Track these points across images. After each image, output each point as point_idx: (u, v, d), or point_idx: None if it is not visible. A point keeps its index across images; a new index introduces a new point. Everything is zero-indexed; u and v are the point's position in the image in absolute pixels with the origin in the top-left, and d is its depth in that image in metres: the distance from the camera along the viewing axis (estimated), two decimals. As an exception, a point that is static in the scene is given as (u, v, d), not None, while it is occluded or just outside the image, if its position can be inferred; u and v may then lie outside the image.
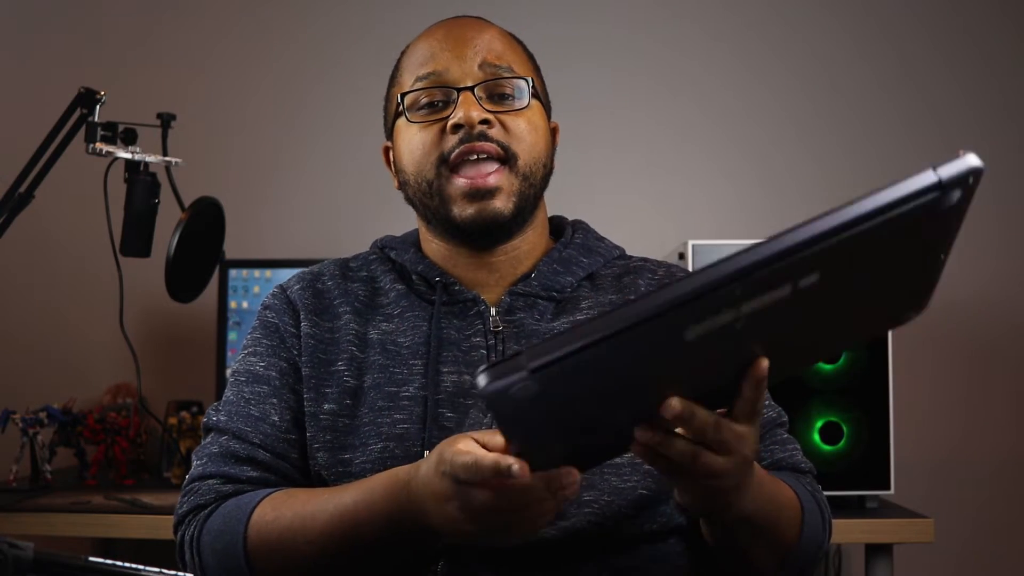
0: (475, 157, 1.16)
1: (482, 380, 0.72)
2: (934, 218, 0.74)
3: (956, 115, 2.52)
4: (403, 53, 1.26)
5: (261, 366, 1.20)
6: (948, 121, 2.52)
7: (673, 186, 2.55)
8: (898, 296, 0.88)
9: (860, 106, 2.54)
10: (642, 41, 2.58)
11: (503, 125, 1.18)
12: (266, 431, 1.17)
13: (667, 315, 0.70)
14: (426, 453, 1.10)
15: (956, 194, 0.72)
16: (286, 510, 1.09)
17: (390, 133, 1.27)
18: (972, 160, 0.71)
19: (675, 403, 0.80)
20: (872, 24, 2.56)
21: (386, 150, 1.29)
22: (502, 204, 1.17)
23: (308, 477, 1.17)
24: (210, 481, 1.16)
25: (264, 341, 1.22)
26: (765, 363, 0.82)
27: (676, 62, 2.57)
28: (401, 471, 1.02)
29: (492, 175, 1.16)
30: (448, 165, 1.17)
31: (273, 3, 2.64)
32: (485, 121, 1.16)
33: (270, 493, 1.12)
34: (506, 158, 1.17)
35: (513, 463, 0.84)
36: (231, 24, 2.64)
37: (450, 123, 1.17)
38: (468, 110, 1.16)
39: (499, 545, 0.99)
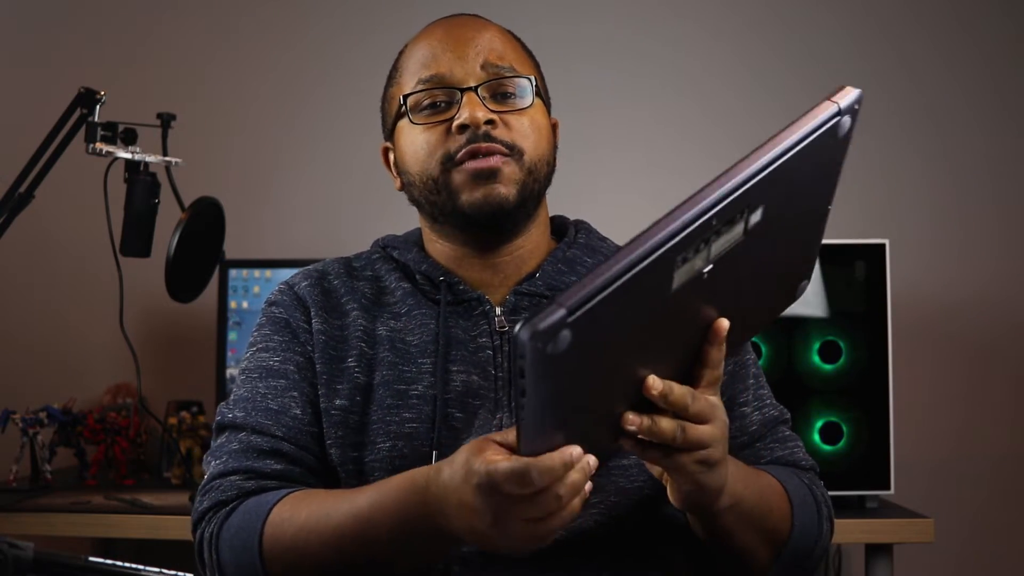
0: (481, 157, 1.16)
1: (524, 331, 0.74)
2: (833, 145, 0.90)
3: (955, 115, 2.52)
4: (401, 53, 1.26)
5: (276, 361, 1.19)
6: (947, 121, 2.53)
7: (673, 186, 2.54)
8: (799, 260, 1.01)
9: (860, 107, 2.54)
10: (643, 41, 2.58)
11: (507, 125, 1.18)
12: (288, 423, 1.16)
13: (678, 238, 0.79)
14: (435, 454, 1.10)
15: (848, 120, 0.88)
16: (302, 509, 1.07)
17: (390, 134, 1.26)
18: (853, 90, 0.89)
19: (654, 381, 0.87)
20: (872, 24, 2.56)
21: (385, 151, 1.28)
22: (506, 190, 1.17)
23: (330, 472, 1.17)
24: (232, 477, 1.14)
25: (275, 337, 1.21)
26: (725, 323, 0.90)
27: (677, 62, 2.57)
28: (419, 475, 1.00)
29: (495, 157, 1.16)
30: (454, 162, 1.17)
31: (274, 3, 2.64)
32: (490, 121, 1.16)
33: (291, 492, 1.11)
34: (511, 153, 1.18)
35: (587, 455, 0.84)
36: (231, 24, 2.65)
37: (455, 123, 1.16)
38: (473, 110, 1.16)
39: (521, 552, 0.98)
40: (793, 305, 2.05)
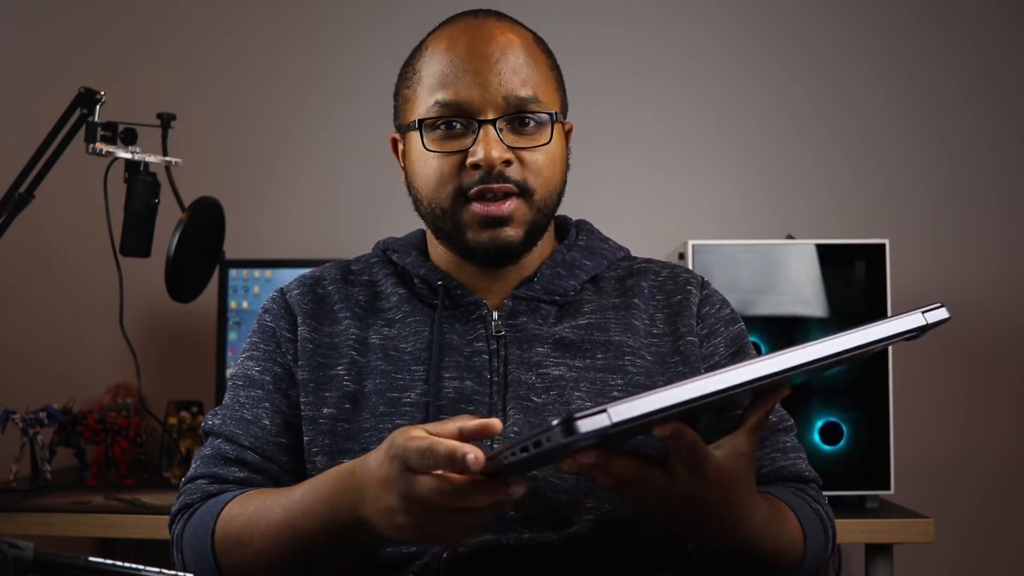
0: (492, 196, 1.16)
1: (560, 430, 0.78)
2: (900, 341, 0.92)
3: (955, 116, 2.52)
4: (422, 52, 1.21)
5: (256, 370, 1.22)
6: (947, 122, 2.53)
7: (674, 186, 2.55)
8: None
9: (859, 107, 2.54)
10: (645, 42, 2.58)
11: (521, 161, 1.16)
12: (256, 434, 1.18)
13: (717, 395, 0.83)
14: None
15: (923, 335, 0.90)
16: (249, 505, 1.10)
17: (401, 132, 1.24)
18: (945, 312, 0.90)
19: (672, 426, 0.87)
20: (872, 26, 2.56)
21: (394, 141, 1.27)
22: (514, 232, 1.17)
23: (298, 480, 1.17)
24: (199, 481, 1.18)
25: (261, 346, 1.23)
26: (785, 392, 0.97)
27: (678, 63, 2.57)
28: (349, 463, 1.02)
29: (507, 203, 1.16)
30: (465, 198, 1.16)
31: (274, 3, 2.64)
32: (506, 161, 1.15)
33: (245, 491, 1.14)
34: (521, 193, 1.17)
35: (468, 451, 0.86)
36: (231, 24, 2.64)
37: (470, 161, 1.15)
38: (489, 151, 1.14)
39: (424, 545, 0.98)
40: (793, 305, 2.05)
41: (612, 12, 2.59)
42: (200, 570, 1.12)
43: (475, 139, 1.15)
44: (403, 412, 1.14)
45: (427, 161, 1.17)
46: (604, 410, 0.77)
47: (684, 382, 0.81)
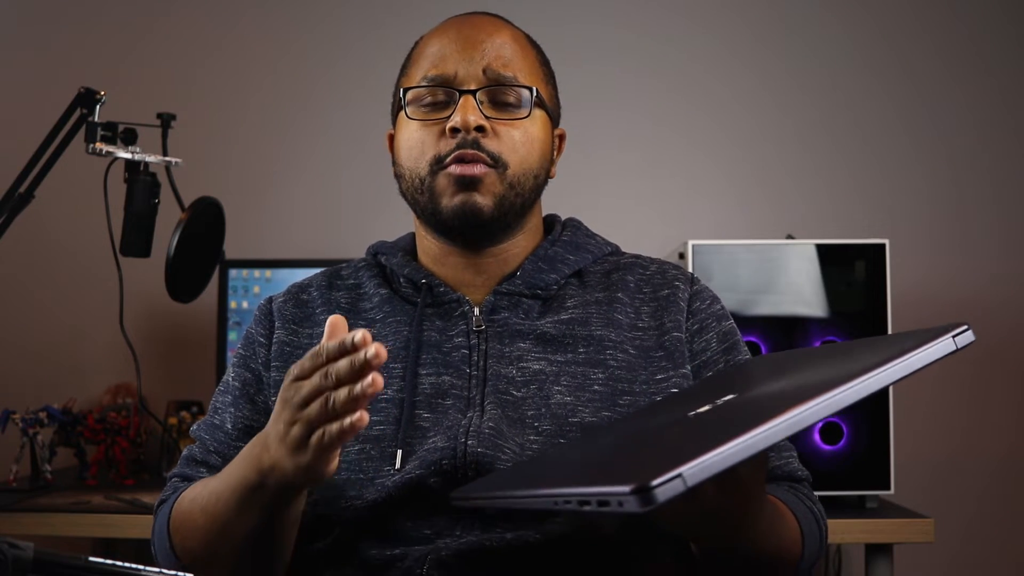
0: (466, 163, 1.18)
1: (659, 495, 0.72)
2: None
3: (955, 116, 2.52)
4: (416, 45, 1.27)
5: (232, 375, 1.27)
6: (947, 122, 2.53)
7: (674, 186, 2.55)
8: None
9: (859, 107, 2.54)
10: (644, 42, 2.58)
11: (497, 134, 1.19)
12: (220, 438, 1.23)
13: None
14: (399, 453, 1.12)
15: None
16: (199, 486, 1.15)
17: (394, 119, 1.28)
18: (971, 336, 0.89)
19: None
20: (872, 27, 2.56)
21: (390, 137, 1.30)
22: (483, 200, 1.18)
23: None
24: (173, 480, 1.25)
25: (240, 351, 1.28)
26: None
27: (678, 63, 2.57)
28: None
29: (478, 166, 1.18)
30: (442, 165, 1.19)
31: (274, 3, 2.64)
32: (480, 128, 1.18)
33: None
34: (495, 165, 1.19)
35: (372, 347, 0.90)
36: (231, 24, 2.64)
37: (448, 126, 1.18)
38: (466, 114, 1.17)
39: (301, 465, 0.97)
40: (793, 305, 2.05)
41: (612, 13, 2.59)
42: (163, 558, 1.16)
43: (455, 108, 1.18)
44: (379, 408, 1.16)
45: (411, 133, 1.21)
46: (679, 475, 0.72)
47: (755, 431, 0.76)
